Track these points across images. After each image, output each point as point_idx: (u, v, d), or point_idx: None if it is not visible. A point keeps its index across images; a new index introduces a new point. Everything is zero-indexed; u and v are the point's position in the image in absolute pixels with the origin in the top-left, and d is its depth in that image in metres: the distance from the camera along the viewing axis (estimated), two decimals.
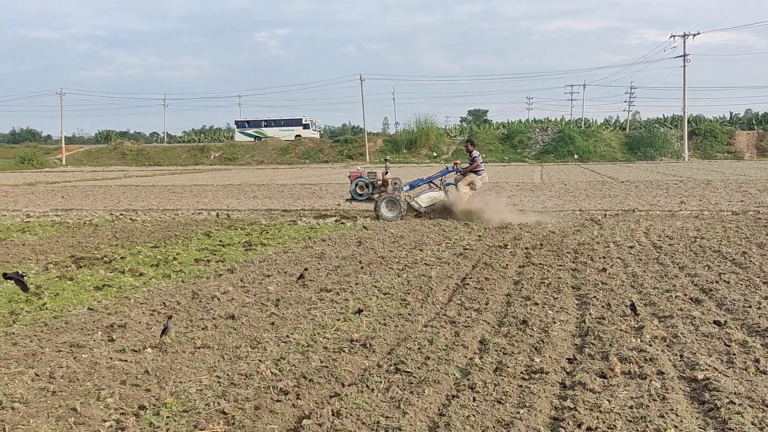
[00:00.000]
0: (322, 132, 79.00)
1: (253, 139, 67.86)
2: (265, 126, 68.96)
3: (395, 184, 14.72)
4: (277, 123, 68.91)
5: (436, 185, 14.69)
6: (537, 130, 63.96)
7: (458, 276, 8.06)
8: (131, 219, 15.03)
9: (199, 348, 5.19)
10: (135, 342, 5.33)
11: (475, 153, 14.63)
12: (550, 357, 4.89)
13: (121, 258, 9.43)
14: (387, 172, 14.89)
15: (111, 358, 4.90)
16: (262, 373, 4.58)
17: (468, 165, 14.58)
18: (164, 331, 5.34)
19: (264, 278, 7.90)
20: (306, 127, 68.25)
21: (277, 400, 4.07)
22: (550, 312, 6.20)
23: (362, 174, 14.98)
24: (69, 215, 15.89)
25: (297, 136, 66.62)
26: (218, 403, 4.06)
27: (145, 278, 7.96)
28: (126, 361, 4.85)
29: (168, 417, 3.88)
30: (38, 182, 32.00)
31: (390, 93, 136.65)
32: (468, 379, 4.42)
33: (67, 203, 19.55)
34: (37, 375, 4.54)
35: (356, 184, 14.85)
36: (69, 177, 38.12)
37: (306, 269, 7.94)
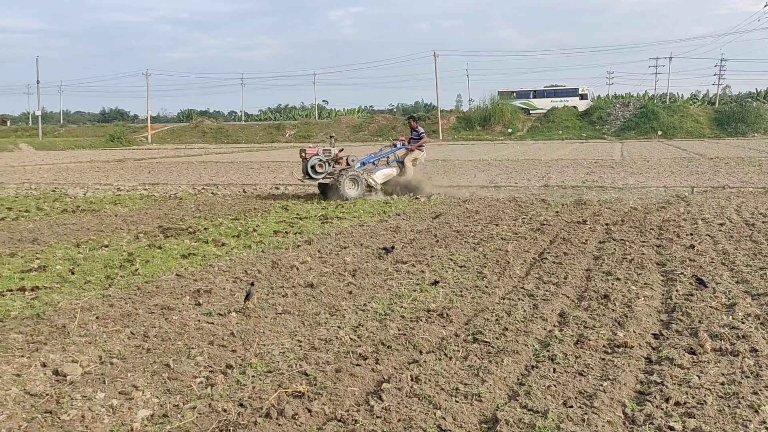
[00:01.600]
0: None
1: (523, 112, 61.12)
2: (535, 97, 62.75)
3: (353, 161, 13.92)
4: (549, 93, 62.47)
5: (386, 162, 14.49)
6: (617, 105, 61.56)
7: (535, 251, 7.93)
8: (212, 193, 15.56)
9: (280, 314, 5.34)
10: (220, 306, 5.54)
11: (421, 129, 14.81)
12: (634, 332, 4.76)
13: (205, 229, 9.80)
14: (342, 149, 14.22)
15: (199, 321, 5.12)
16: (341, 339, 4.68)
17: (416, 141, 14.56)
18: (247, 297, 5.52)
19: (341, 250, 8.02)
20: (583, 97, 61.43)
21: (357, 365, 4.15)
22: (634, 287, 6.01)
23: (319, 152, 13.72)
24: (155, 189, 16.62)
25: (573, 107, 60.11)
26: (300, 365, 4.18)
27: (228, 248, 8.24)
28: (212, 323, 5.06)
29: (253, 376, 4.03)
30: (126, 159, 33.58)
31: (463, 69, 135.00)
32: (548, 351, 4.37)
33: (153, 178, 20.43)
34: (133, 334, 4.80)
35: (312, 163, 13.53)
36: (154, 154, 39.79)
37: (393, 247, 7.97)
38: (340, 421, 3.37)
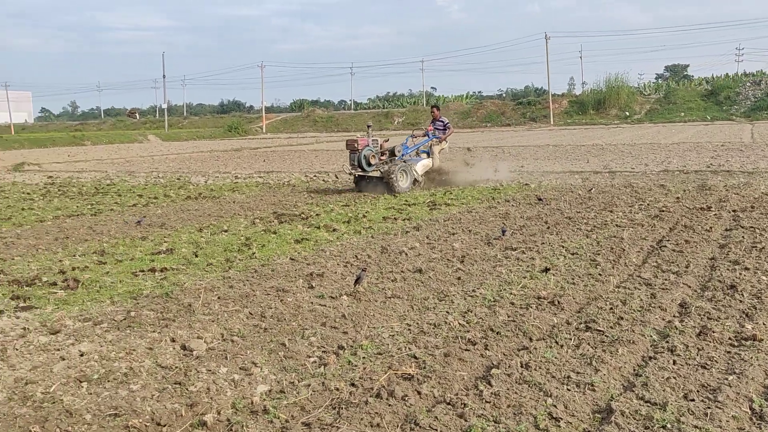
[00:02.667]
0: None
1: None
2: None
3: (398, 152, 13.12)
4: None
5: (416, 153, 13.85)
6: (748, 84, 56.95)
7: (653, 238, 7.53)
8: (323, 180, 16.01)
9: (389, 298, 5.43)
10: (332, 289, 5.71)
11: (446, 119, 14.39)
12: (764, 324, 4.42)
13: (317, 215, 10.11)
14: (387, 140, 13.54)
15: (312, 303, 5.30)
16: (450, 324, 4.69)
17: (443, 131, 14.13)
18: (358, 281, 5.66)
19: (449, 236, 8.01)
20: None
21: (466, 350, 4.15)
22: (764, 278, 5.58)
23: (369, 142, 12.80)
24: (270, 177, 17.33)
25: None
26: (409, 348, 4.23)
27: (338, 233, 8.46)
28: (325, 306, 5.22)
29: (364, 357, 4.12)
30: (243, 148, 35.22)
31: (576, 51, 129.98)
32: (667, 342, 4.15)
33: (267, 166, 21.30)
34: (251, 314, 5.06)
35: (366, 154, 12.60)
36: (268, 143, 41.45)
37: (504, 232, 7.88)
38: (449, 404, 3.38)
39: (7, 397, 3.64)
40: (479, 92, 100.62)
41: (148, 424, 3.31)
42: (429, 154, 13.84)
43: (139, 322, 4.86)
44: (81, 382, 3.80)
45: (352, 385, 3.71)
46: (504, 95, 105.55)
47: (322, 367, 3.99)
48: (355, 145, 12.70)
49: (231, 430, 3.24)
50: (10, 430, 3.27)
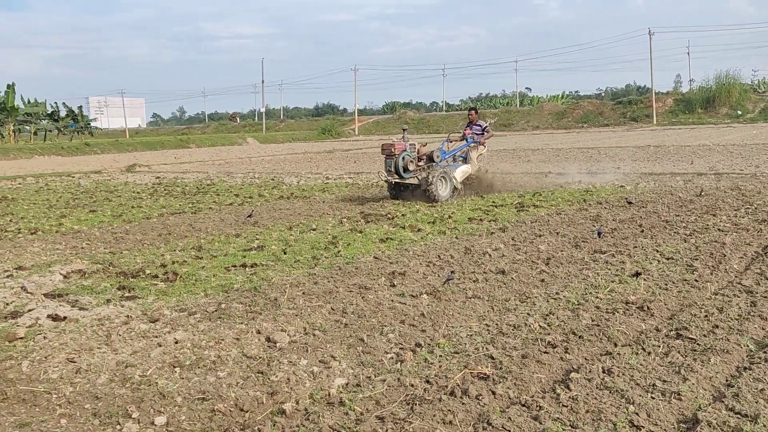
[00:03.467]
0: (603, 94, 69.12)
1: None
2: None
3: (437, 157, 12.19)
4: None
5: (452, 158, 13.01)
6: None
7: (759, 243, 7.06)
8: None
9: (470, 298, 5.41)
10: (413, 288, 5.75)
11: (484, 122, 13.56)
12: None
13: (402, 215, 10.19)
14: (425, 144, 12.66)
15: (392, 300, 5.37)
16: (530, 326, 4.61)
17: (481, 135, 13.27)
18: (447, 281, 5.70)
19: (535, 238, 7.86)
20: None
21: (545, 352, 4.07)
22: None
23: (406, 147, 11.91)
24: (359, 177, 17.63)
25: None
26: (487, 348, 4.21)
27: (423, 234, 8.49)
28: (405, 304, 5.27)
29: (440, 356, 4.14)
30: (335, 150, 35.99)
31: (683, 47, 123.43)
32: (765, 352, 3.90)
33: (357, 167, 21.67)
34: (333, 309, 5.19)
35: (404, 158, 11.70)
36: (360, 145, 42.11)
37: (599, 234, 7.66)
38: (524, 405, 3.34)
39: (108, 378, 3.93)
40: (576, 92, 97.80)
41: (232, 409, 3.48)
42: (466, 159, 13.07)
43: (229, 314, 5.10)
44: (174, 367, 4.05)
45: (427, 382, 3.73)
46: (603, 94, 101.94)
47: (399, 363, 4.04)
48: (392, 150, 11.79)
49: (308, 419, 3.35)
50: (110, 409, 3.53)
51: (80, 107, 57.98)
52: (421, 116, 73.48)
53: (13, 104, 48.01)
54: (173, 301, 5.61)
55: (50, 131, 55.31)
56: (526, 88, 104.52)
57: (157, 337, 4.65)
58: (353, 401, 3.53)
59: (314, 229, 9.16)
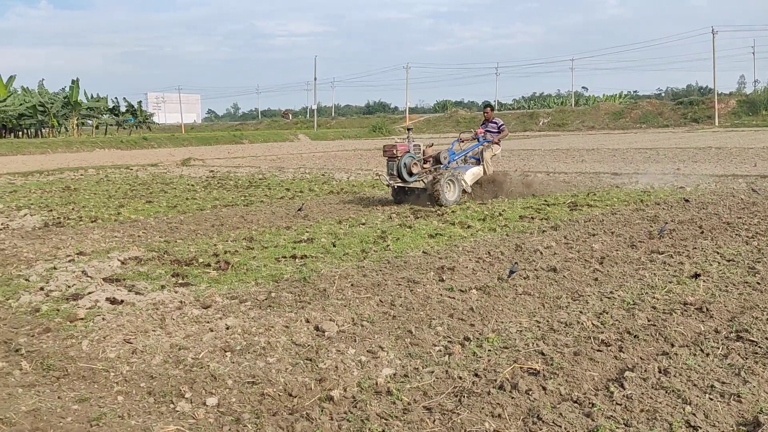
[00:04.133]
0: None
1: None
2: None
3: (444, 158, 11.31)
4: None
5: (464, 159, 12.10)
6: None
7: None
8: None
9: (520, 294, 5.33)
10: (462, 283, 5.70)
11: (500, 120, 12.53)
12: None
13: (452, 212, 10.12)
14: (431, 145, 11.77)
15: (441, 295, 5.34)
16: (582, 324, 4.51)
17: (497, 134, 12.28)
18: (511, 274, 5.68)
19: (588, 237, 7.69)
20: None
21: (598, 350, 3.98)
22: None
23: (410, 148, 11.04)
24: None
25: None
26: (537, 344, 4.13)
27: (473, 230, 8.42)
28: (454, 298, 5.23)
29: (489, 350, 4.09)
30: None
31: (748, 47, 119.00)
32: None
33: None
34: (381, 301, 5.19)
35: (407, 162, 10.81)
36: None
37: (662, 231, 7.47)
38: (575, 402, 3.26)
39: (162, 359, 4.04)
40: (635, 92, 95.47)
41: (281, 394, 3.51)
42: (479, 160, 12.10)
43: (279, 303, 5.16)
44: (225, 351, 4.12)
45: (476, 375, 3.69)
46: (662, 95, 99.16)
47: (447, 356, 4.01)
48: (394, 152, 10.88)
49: (355, 406, 3.36)
50: (164, 388, 3.62)
51: (139, 102, 59.80)
52: (472, 115, 72.88)
53: (77, 99, 49.86)
54: (225, 288, 5.72)
55: (111, 125, 57.25)
56: (582, 87, 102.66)
57: (208, 322, 4.75)
58: (401, 391, 3.51)
59: (363, 224, 9.19)
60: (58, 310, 5.18)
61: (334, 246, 7.54)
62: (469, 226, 8.68)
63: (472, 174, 11.68)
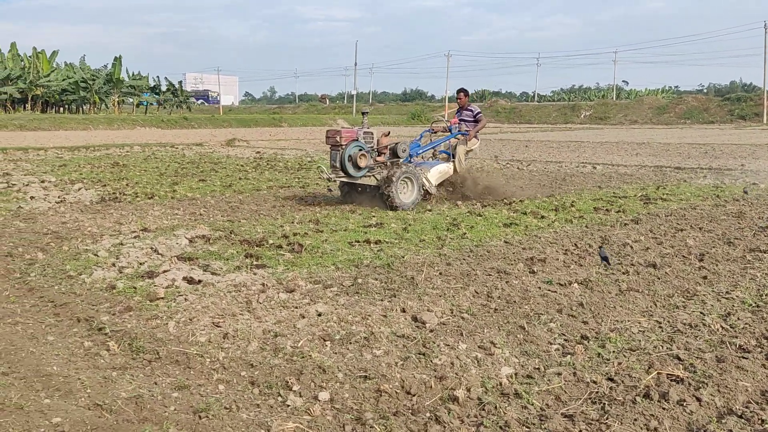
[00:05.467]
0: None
1: None
2: None
3: (403, 151, 9.24)
4: None
5: (432, 154, 10.19)
6: None
7: None
8: (518, 168, 15.51)
9: (624, 291, 4.93)
10: (557, 276, 5.32)
11: (476, 108, 10.33)
12: None
13: (520, 201, 9.70)
14: (388, 133, 9.70)
15: (539, 288, 4.96)
16: (709, 326, 4.10)
17: (473, 124, 10.17)
18: (603, 260, 5.33)
19: (677, 232, 7.22)
20: None
21: (742, 357, 3.57)
22: None
23: (359, 135, 8.94)
24: None
25: None
26: (668, 347, 3.74)
27: (548, 221, 8.00)
28: (555, 292, 4.86)
29: (614, 351, 3.71)
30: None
31: None
32: None
33: None
34: (476, 293, 4.84)
35: (352, 153, 8.74)
36: None
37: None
38: (740, 417, 2.88)
39: (259, 346, 3.75)
40: (676, 87, 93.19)
41: (398, 391, 3.20)
42: (451, 155, 10.02)
43: (366, 290, 4.85)
44: (325, 341, 3.82)
45: (610, 379, 3.32)
46: (705, 90, 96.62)
47: (568, 356, 3.64)
48: (338, 139, 8.76)
49: (483, 409, 3.02)
50: (268, 378, 3.33)
51: (180, 82, 60.14)
52: (513, 105, 71.93)
53: (119, 76, 50.31)
54: (305, 272, 5.42)
55: (151, 104, 57.68)
56: (623, 81, 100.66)
57: (297, 307, 4.45)
58: (529, 394, 3.17)
59: (429, 210, 8.84)
60: (134, 287, 4.95)
61: (406, 231, 7.20)
62: (542, 217, 8.26)
63: (438, 172, 9.63)
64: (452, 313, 4.40)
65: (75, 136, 28.63)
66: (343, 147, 8.73)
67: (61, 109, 50.95)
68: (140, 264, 5.64)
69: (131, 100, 57.05)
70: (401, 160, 9.22)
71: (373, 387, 3.23)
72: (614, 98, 75.29)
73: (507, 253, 6.14)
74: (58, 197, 9.80)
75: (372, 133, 9.17)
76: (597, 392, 3.18)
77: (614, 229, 7.38)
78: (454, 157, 9.91)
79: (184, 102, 58.80)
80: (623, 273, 5.44)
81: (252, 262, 5.72)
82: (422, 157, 10.10)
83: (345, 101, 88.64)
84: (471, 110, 10.24)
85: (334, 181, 9.18)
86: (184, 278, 5.13)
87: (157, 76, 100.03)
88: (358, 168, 8.80)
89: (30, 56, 48.40)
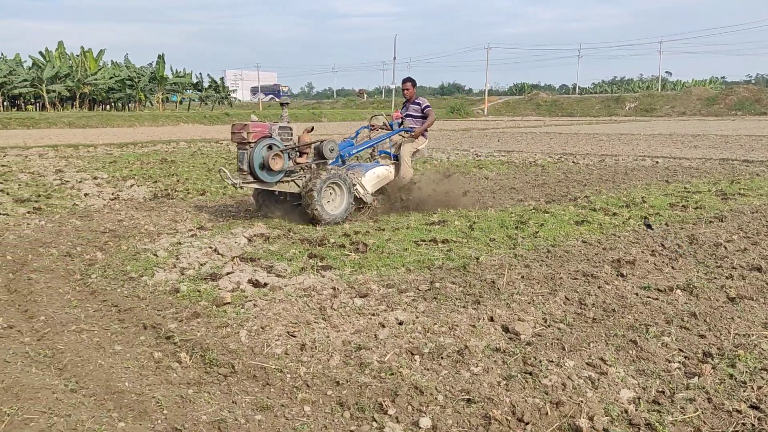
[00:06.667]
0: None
1: None
2: None
3: (331, 150, 7.58)
4: None
5: (370, 155, 8.73)
6: None
7: None
8: (573, 162, 14.91)
9: (735, 298, 4.43)
10: (654, 281, 4.84)
11: (424, 101, 8.78)
12: None
13: (585, 196, 9.19)
14: (312, 129, 7.85)
15: (637, 294, 4.51)
16: None
17: (421, 119, 8.65)
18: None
19: None
20: None
21: None
22: None
23: (273, 132, 7.17)
24: (511, 156, 16.63)
25: None
26: None
27: (621, 218, 7.48)
28: (657, 299, 4.39)
29: (747, 372, 3.25)
30: (470, 128, 34.97)
31: None
32: None
33: (503, 146, 20.63)
34: (567, 299, 4.41)
35: (261, 155, 6.97)
36: (494, 125, 40.78)
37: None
38: None
39: (342, 361, 3.40)
40: (723, 77, 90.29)
41: (509, 418, 2.80)
42: (395, 157, 8.57)
43: (445, 295, 4.47)
44: (413, 354, 3.45)
45: (755, 407, 2.87)
46: (754, 81, 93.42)
47: (696, 377, 3.19)
48: (244, 135, 7.02)
49: None
50: (358, 399, 2.98)
51: (222, 78, 60.60)
52: (554, 98, 70.57)
53: (163, 74, 50.88)
54: (374, 274, 5.07)
55: (193, 101, 58.30)
56: (666, 72, 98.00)
57: (374, 315, 4.10)
58: (663, 425, 2.74)
59: (491, 206, 8.40)
60: (199, 291, 4.66)
61: (472, 230, 6.79)
62: (614, 214, 7.74)
63: (374, 176, 8.06)
64: (545, 322, 3.99)
65: (122, 133, 28.93)
66: (252, 146, 7.02)
67: (108, 106, 51.83)
68: (201, 265, 5.37)
69: (174, 97, 57.74)
70: (329, 162, 7.66)
71: (479, 412, 2.84)
72: (659, 89, 73.22)
73: (588, 254, 5.68)
74: (112, 194, 9.66)
75: (291, 129, 7.38)
76: (743, 423, 2.74)
77: (699, 227, 6.83)
78: (397, 158, 8.55)
79: (225, 98, 59.22)
80: (727, 278, 4.93)
81: (317, 263, 5.39)
82: (357, 158, 8.81)
83: (383, 96, 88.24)
84: (419, 104, 8.75)
85: (241, 188, 7.44)
86: (249, 281, 4.82)
87: (200, 73, 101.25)
88: (270, 171, 7.06)
89: (77, 55, 49.29)
